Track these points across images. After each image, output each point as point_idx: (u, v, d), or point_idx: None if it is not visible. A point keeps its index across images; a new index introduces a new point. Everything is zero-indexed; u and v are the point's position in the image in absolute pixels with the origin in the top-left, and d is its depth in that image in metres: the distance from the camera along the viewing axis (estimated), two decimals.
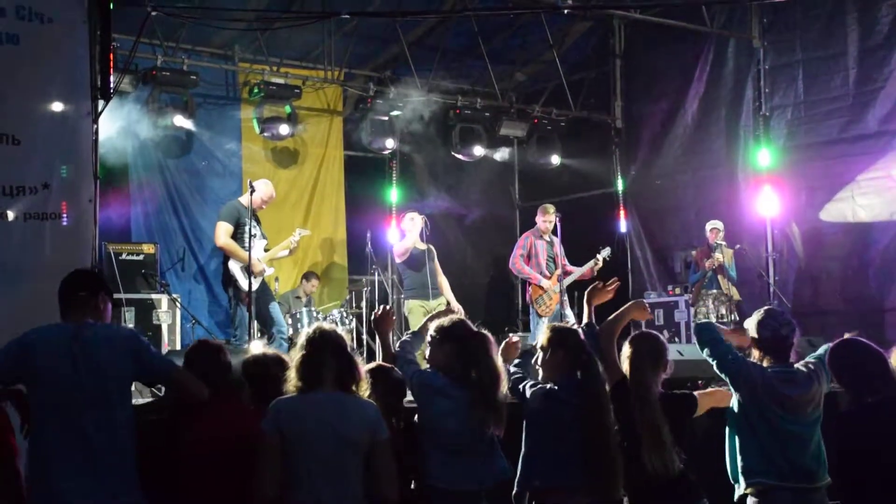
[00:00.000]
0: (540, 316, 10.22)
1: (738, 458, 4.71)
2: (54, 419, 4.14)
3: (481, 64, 12.91)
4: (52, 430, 4.13)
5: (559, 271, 10.23)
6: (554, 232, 10.33)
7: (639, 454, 4.51)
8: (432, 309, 9.82)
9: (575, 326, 5.21)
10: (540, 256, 10.34)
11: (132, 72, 10.30)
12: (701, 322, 4.95)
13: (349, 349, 4.26)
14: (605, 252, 10.58)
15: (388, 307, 5.16)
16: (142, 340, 4.45)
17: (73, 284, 4.41)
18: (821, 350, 4.89)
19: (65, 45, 6.32)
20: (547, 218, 10.37)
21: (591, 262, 10.40)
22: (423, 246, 10.17)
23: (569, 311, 10.20)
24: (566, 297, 10.23)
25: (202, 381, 4.43)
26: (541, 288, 10.23)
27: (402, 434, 4.62)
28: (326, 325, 4.32)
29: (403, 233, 10.34)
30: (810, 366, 4.75)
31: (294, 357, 4.25)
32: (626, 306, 5.08)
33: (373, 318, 5.15)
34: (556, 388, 4.70)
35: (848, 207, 11.01)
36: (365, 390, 4.22)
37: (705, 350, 4.83)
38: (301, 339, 4.26)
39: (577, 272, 10.35)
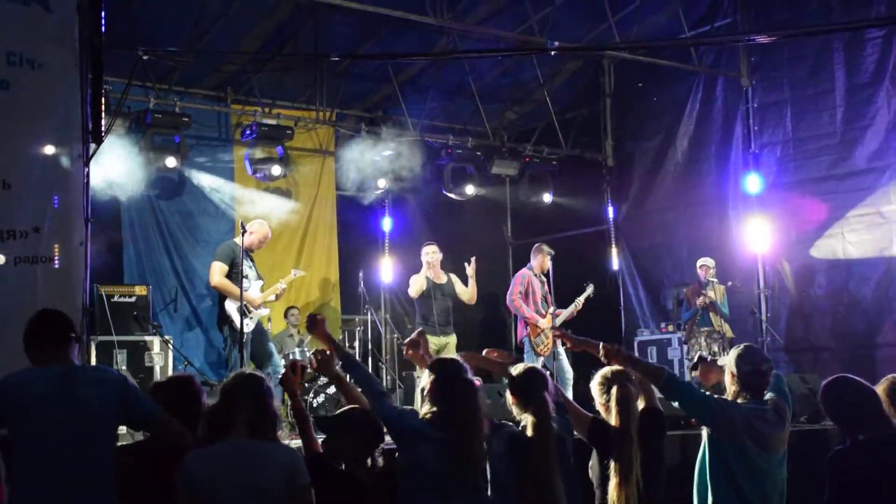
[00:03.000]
0: (538, 355, 10.18)
1: (710, 495, 4.72)
2: (38, 461, 4.10)
3: (472, 103, 13.00)
4: (35, 471, 4.09)
5: (552, 310, 10.22)
6: (546, 271, 10.35)
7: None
8: (442, 346, 9.84)
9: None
10: (536, 295, 10.32)
11: (124, 114, 10.38)
12: (660, 388, 4.86)
13: (267, 393, 4.07)
14: (590, 289, 10.62)
15: (327, 353, 4.92)
16: (130, 383, 4.43)
17: (51, 326, 4.40)
18: (774, 381, 4.88)
19: (56, 90, 6.35)
20: (546, 259, 10.34)
21: (573, 307, 10.39)
22: (443, 278, 10.23)
23: (562, 350, 10.19)
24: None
25: (178, 417, 4.36)
26: (538, 327, 10.20)
27: (380, 476, 4.54)
28: (247, 371, 4.22)
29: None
30: (777, 403, 4.77)
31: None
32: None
33: (315, 361, 4.90)
34: (516, 428, 4.66)
35: (838, 244, 11.06)
36: (283, 435, 4.10)
37: (675, 403, 4.85)
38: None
39: (564, 314, 10.36)
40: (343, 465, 4.43)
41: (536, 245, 10.60)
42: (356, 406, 4.65)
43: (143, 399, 4.46)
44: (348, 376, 4.75)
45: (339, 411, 4.51)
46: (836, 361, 10.61)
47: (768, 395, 4.81)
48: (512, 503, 4.54)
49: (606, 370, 4.86)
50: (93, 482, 4.15)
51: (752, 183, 11.75)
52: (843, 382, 4.62)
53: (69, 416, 4.13)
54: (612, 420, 4.69)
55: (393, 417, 4.54)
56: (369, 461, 4.49)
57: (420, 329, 5.35)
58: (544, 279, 10.37)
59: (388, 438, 4.79)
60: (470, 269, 10.28)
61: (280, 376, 4.81)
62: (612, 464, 4.61)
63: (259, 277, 9.50)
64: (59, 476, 4.08)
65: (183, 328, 11.69)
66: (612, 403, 4.68)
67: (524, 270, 10.51)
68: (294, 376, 4.64)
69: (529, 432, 4.54)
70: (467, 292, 10.34)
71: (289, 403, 4.64)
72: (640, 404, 4.86)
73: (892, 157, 10.65)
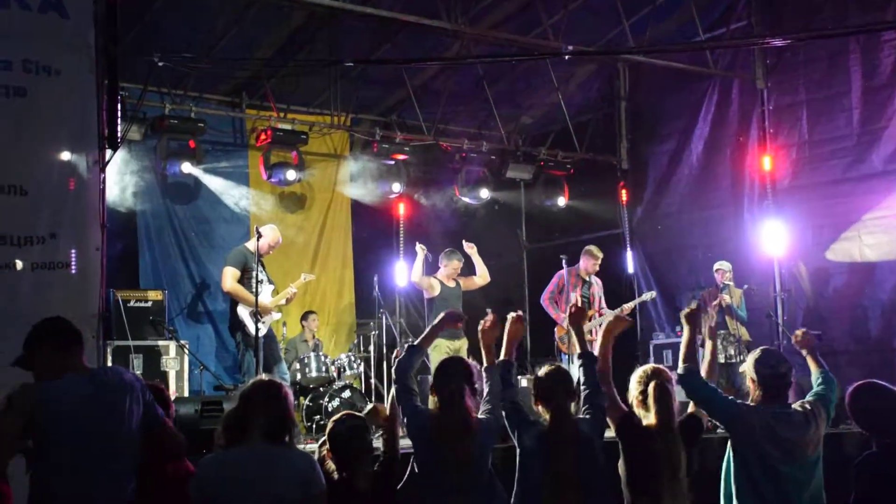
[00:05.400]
0: (563, 353, 10.25)
1: (735, 502, 4.68)
2: (70, 472, 4.03)
3: (487, 107, 13.00)
4: (67, 483, 4.02)
5: (592, 312, 10.21)
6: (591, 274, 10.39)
7: (657, 491, 4.48)
8: (456, 349, 9.90)
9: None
10: (570, 294, 10.32)
11: (140, 120, 10.45)
12: (680, 375, 4.85)
13: (284, 399, 4.08)
14: (647, 295, 11.09)
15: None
16: (145, 383, 4.40)
17: (64, 334, 4.33)
18: (818, 388, 4.87)
19: (72, 96, 6.39)
20: (594, 262, 10.50)
21: (617, 311, 10.33)
22: (452, 283, 10.28)
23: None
24: (594, 340, 10.21)
25: None
26: (563, 327, 10.24)
27: (377, 484, 4.54)
28: (265, 377, 4.18)
29: (439, 266, 10.47)
30: (807, 406, 4.74)
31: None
32: (605, 326, 4.99)
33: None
34: (547, 425, 4.66)
35: (854, 247, 10.99)
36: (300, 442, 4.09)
37: (693, 401, 4.81)
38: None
39: (605, 317, 10.29)
40: (338, 475, 4.44)
41: (586, 248, 10.75)
42: (344, 415, 4.66)
43: (154, 402, 4.41)
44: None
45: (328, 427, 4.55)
46: (853, 365, 10.55)
47: (808, 398, 4.78)
48: (540, 498, 4.56)
49: (648, 367, 4.85)
50: (122, 487, 4.13)
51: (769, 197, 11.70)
52: (871, 388, 4.62)
53: (103, 424, 4.08)
54: (651, 417, 4.64)
55: (412, 414, 4.62)
56: (366, 469, 4.50)
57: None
58: (594, 280, 10.38)
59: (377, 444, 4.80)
60: (471, 249, 10.42)
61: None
62: (660, 464, 4.54)
63: (270, 282, 9.53)
64: (90, 488, 4.04)
65: (198, 333, 11.71)
66: (651, 401, 4.63)
67: (562, 270, 10.52)
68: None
69: (550, 431, 4.59)
70: (479, 276, 10.43)
71: (305, 407, 4.66)
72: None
73: None
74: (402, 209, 13.44)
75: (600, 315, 10.28)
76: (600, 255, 10.48)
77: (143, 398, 4.25)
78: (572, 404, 4.74)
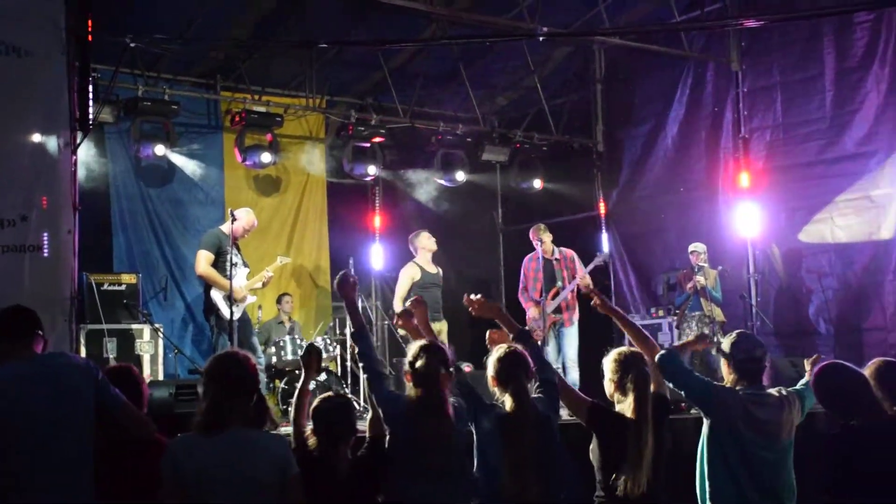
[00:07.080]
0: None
1: (707, 484, 4.73)
2: (32, 458, 3.98)
3: (462, 90, 12.98)
4: (16, 463, 3.97)
5: (555, 291, 10.12)
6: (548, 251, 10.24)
7: (631, 475, 4.50)
8: (436, 331, 9.85)
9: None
10: (529, 281, 10.27)
11: (113, 102, 10.36)
12: (661, 355, 4.87)
13: (256, 380, 4.04)
14: (600, 258, 10.69)
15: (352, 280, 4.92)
16: (98, 367, 4.32)
17: (21, 321, 4.29)
18: (800, 386, 4.91)
19: (43, 78, 6.36)
20: (538, 240, 10.16)
21: (577, 279, 10.15)
22: (433, 269, 10.23)
23: (568, 331, 10.15)
24: (569, 315, 10.17)
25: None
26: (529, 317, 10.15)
27: (356, 465, 4.54)
28: (241, 353, 4.11)
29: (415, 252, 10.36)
30: (783, 392, 4.79)
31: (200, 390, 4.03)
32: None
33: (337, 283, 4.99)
34: (505, 408, 4.62)
35: (827, 228, 11.07)
36: (271, 427, 4.04)
37: (671, 383, 4.83)
38: (205, 368, 4.07)
39: (564, 292, 10.19)
40: (319, 454, 4.44)
41: (532, 227, 10.41)
42: (328, 397, 4.66)
43: (110, 384, 4.30)
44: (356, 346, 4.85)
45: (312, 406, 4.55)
46: (825, 345, 10.66)
47: (787, 390, 4.82)
48: (499, 482, 4.52)
49: (625, 349, 4.84)
50: (83, 471, 4.08)
51: (743, 179, 11.76)
52: (835, 368, 4.62)
53: (45, 405, 4.01)
54: (628, 402, 4.65)
55: (388, 400, 4.58)
56: (347, 451, 4.49)
57: (416, 297, 5.37)
58: (555, 257, 10.23)
59: (360, 427, 4.79)
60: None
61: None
62: (628, 449, 4.55)
63: (245, 265, 9.50)
64: (39, 470, 3.98)
65: (173, 316, 11.66)
66: (630, 386, 4.64)
67: (527, 257, 10.48)
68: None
69: (511, 413, 4.55)
70: None
71: (280, 390, 4.67)
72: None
73: (880, 142, 10.66)
74: (377, 192, 13.41)
75: (564, 290, 10.17)
76: (542, 230, 10.30)
77: (94, 380, 4.17)
78: (530, 385, 4.69)
